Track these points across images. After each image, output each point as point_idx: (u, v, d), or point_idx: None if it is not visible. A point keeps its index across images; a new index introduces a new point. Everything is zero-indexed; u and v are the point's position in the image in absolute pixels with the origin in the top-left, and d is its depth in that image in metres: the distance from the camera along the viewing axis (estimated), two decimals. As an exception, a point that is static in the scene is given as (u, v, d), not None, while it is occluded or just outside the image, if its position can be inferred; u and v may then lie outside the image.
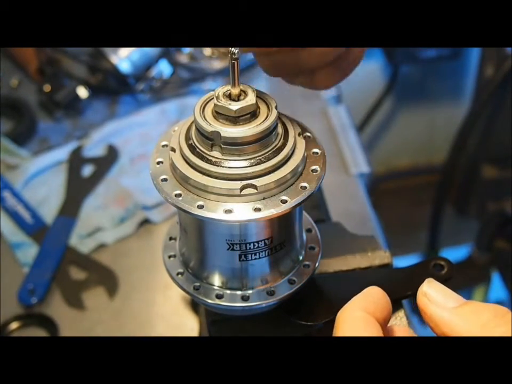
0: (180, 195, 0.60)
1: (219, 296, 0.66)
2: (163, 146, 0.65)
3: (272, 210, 0.59)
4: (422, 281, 0.66)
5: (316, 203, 0.84)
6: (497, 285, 1.88)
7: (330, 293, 0.71)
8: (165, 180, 0.62)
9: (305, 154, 0.63)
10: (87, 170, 1.34)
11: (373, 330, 0.55)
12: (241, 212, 0.59)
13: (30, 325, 1.11)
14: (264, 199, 0.59)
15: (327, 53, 0.63)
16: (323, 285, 0.71)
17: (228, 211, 0.59)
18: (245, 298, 0.66)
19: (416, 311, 0.77)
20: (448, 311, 0.54)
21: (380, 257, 0.76)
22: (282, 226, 0.65)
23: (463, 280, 1.85)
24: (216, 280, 0.67)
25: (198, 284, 0.67)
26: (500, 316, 0.53)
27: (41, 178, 1.33)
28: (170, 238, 0.72)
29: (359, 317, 0.56)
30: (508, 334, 0.51)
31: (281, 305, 0.68)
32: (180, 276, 0.69)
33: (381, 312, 0.57)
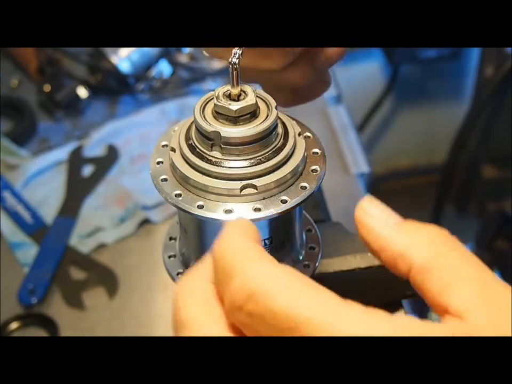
0: (180, 195, 0.60)
1: None
2: (163, 146, 0.65)
3: (272, 210, 0.59)
4: None
5: (315, 203, 0.84)
6: (497, 285, 1.88)
7: (333, 291, 0.71)
8: (165, 180, 0.62)
9: (305, 154, 0.63)
10: (87, 170, 1.34)
11: (214, 311, 0.48)
12: (241, 211, 0.59)
13: (30, 325, 1.11)
14: (264, 199, 0.59)
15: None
16: (323, 285, 0.71)
17: (228, 211, 0.59)
18: None
19: (416, 311, 0.76)
20: (389, 226, 0.50)
21: (380, 257, 0.75)
22: (282, 226, 0.64)
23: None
24: None
25: None
26: (446, 235, 0.49)
27: (41, 178, 1.33)
28: (170, 238, 0.72)
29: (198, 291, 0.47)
30: (460, 253, 0.47)
31: None
32: (180, 276, 0.69)
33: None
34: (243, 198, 0.59)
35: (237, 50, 0.58)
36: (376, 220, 0.51)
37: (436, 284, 0.47)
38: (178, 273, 0.69)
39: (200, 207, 0.59)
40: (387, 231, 0.50)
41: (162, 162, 0.63)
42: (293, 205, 0.59)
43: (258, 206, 0.59)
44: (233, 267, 0.46)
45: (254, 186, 0.59)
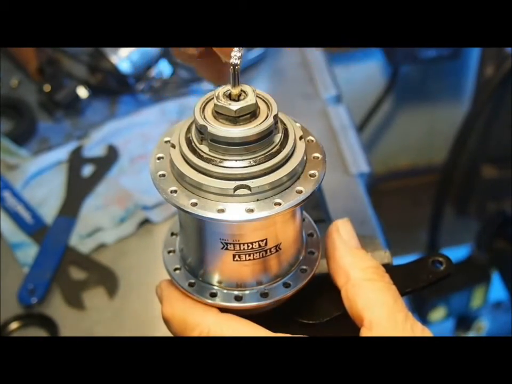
0: (175, 191, 0.60)
1: (213, 295, 0.66)
2: (165, 142, 0.65)
3: (265, 212, 0.59)
4: (422, 278, 0.67)
5: (316, 203, 0.84)
6: (497, 285, 1.88)
7: (332, 291, 0.71)
8: (163, 175, 0.62)
9: (305, 158, 0.62)
10: (87, 170, 1.34)
11: None
12: (234, 211, 0.59)
13: (30, 325, 1.11)
14: (258, 200, 0.59)
15: None
16: (324, 283, 0.71)
17: (221, 210, 0.59)
18: (238, 299, 0.66)
19: (416, 310, 0.75)
20: (346, 246, 0.67)
21: (380, 257, 0.75)
22: (279, 229, 0.64)
23: (463, 280, 1.85)
24: (211, 278, 0.67)
25: (193, 281, 0.67)
26: (380, 271, 0.65)
27: (41, 178, 1.33)
28: (172, 234, 0.72)
29: None
30: (383, 283, 0.64)
31: (282, 304, 0.68)
32: (176, 271, 0.69)
33: None
34: (236, 198, 0.59)
35: (236, 52, 0.58)
36: (341, 237, 0.67)
37: (361, 300, 0.63)
38: (175, 269, 0.69)
39: (194, 204, 0.59)
40: (343, 248, 0.66)
41: (162, 158, 0.64)
42: (286, 208, 0.59)
43: (251, 207, 0.59)
44: (187, 323, 0.65)
45: (248, 187, 0.59)
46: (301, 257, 0.69)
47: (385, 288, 0.64)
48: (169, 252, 0.71)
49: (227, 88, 0.61)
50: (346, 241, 0.67)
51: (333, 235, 0.68)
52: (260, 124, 0.60)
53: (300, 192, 0.60)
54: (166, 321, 0.68)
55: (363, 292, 0.63)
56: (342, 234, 0.67)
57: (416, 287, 0.68)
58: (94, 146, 1.37)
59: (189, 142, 0.61)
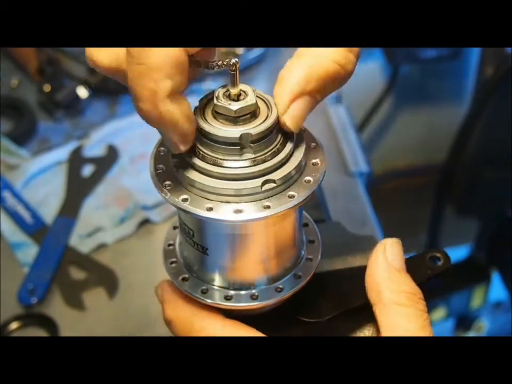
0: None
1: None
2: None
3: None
4: (420, 274, 0.68)
5: (316, 203, 0.84)
6: (497, 285, 1.88)
7: (334, 290, 0.71)
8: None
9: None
10: (87, 170, 1.34)
11: None
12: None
13: (30, 325, 1.11)
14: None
15: None
16: (326, 281, 0.71)
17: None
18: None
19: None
20: (388, 268, 0.66)
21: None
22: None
23: (463, 280, 1.85)
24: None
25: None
26: (414, 297, 0.64)
27: (41, 178, 1.33)
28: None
29: None
30: (413, 311, 0.63)
31: (284, 303, 0.68)
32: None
33: None
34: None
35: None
36: (385, 255, 0.67)
37: (386, 322, 0.63)
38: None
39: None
40: (383, 267, 0.66)
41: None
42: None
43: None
44: (193, 327, 0.66)
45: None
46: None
47: (413, 315, 0.63)
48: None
49: (227, 88, 0.61)
50: (389, 261, 0.67)
51: (378, 252, 0.67)
52: (263, 122, 0.60)
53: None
54: (169, 323, 0.67)
55: (390, 314, 0.63)
56: (388, 253, 0.67)
57: (415, 283, 0.69)
58: (94, 146, 1.38)
59: (192, 147, 0.61)
